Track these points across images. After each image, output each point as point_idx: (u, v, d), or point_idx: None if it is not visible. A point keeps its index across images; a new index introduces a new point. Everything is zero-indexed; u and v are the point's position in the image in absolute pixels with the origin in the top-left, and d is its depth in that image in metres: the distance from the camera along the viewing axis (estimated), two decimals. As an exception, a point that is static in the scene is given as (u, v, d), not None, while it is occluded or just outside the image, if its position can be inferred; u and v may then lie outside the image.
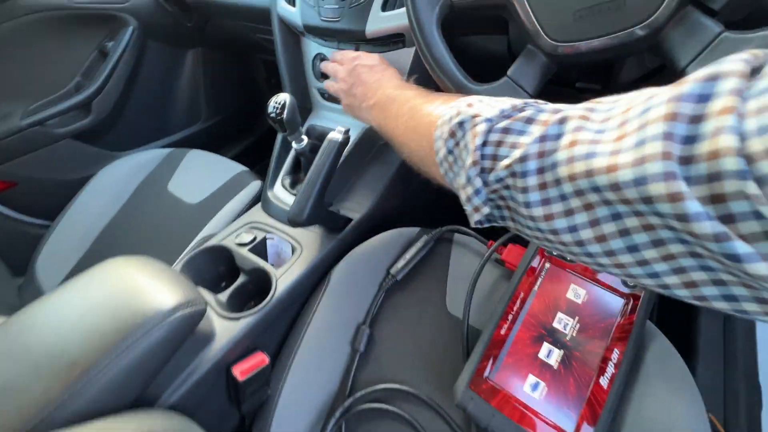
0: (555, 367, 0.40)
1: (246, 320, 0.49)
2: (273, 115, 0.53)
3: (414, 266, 0.57)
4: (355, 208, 0.64)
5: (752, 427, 0.53)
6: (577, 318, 0.43)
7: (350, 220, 0.62)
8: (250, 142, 1.30)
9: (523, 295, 0.45)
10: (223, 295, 0.54)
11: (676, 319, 0.65)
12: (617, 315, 0.43)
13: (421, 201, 0.77)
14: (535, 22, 0.34)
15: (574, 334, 0.42)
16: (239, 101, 1.26)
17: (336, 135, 0.52)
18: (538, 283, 0.46)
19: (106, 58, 0.90)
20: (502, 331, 0.43)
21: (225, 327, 0.48)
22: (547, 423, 0.37)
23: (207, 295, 0.53)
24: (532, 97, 0.36)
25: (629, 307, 0.43)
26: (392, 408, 0.45)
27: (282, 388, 0.48)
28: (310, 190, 0.51)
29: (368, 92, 0.48)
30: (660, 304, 0.63)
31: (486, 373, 0.40)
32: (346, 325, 0.53)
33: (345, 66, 0.53)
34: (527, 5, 0.34)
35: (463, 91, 0.38)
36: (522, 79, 0.37)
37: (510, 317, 0.44)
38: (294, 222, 0.52)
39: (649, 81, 0.47)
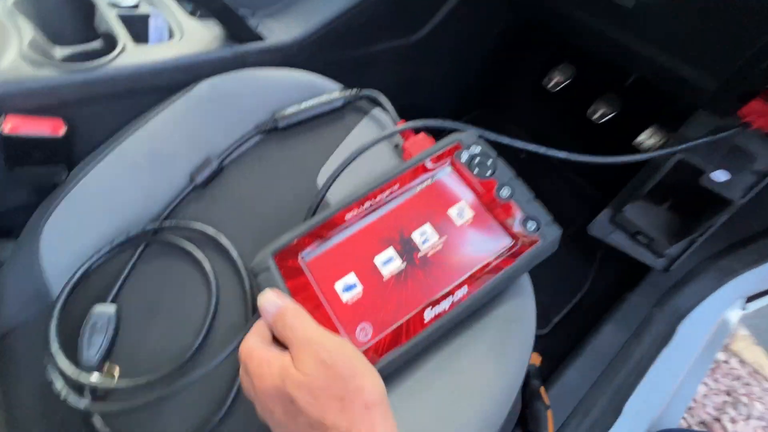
0: (386, 278, 0.31)
1: (73, 75, 0.37)
2: None
3: (306, 121, 0.45)
4: (280, 29, 0.49)
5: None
6: (444, 238, 0.33)
7: (259, 38, 0.48)
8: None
9: (397, 189, 0.34)
10: (63, 49, 0.42)
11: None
12: (494, 253, 0.33)
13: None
14: None
15: (430, 255, 0.32)
16: None
17: None
18: (424, 184, 0.35)
19: None
20: (348, 216, 0.33)
21: (23, 66, 0.36)
22: (339, 326, 0.30)
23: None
24: None
25: (514, 250, 0.33)
26: (198, 253, 0.38)
27: (81, 179, 0.39)
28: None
29: None
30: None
31: (302, 252, 0.32)
32: (196, 151, 0.42)
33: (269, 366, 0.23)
34: None
35: None
36: None
37: (367, 205, 0.34)
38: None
39: None
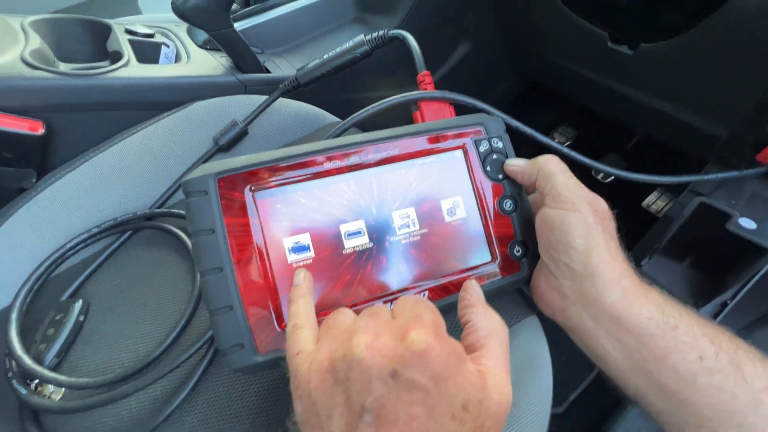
0: (345, 251, 0.26)
1: (66, 79, 0.37)
2: None
3: (329, 74, 0.41)
4: (285, 66, 0.51)
5: None
6: (425, 231, 0.27)
7: (263, 71, 0.48)
8: None
9: (394, 153, 0.28)
10: (67, 66, 0.43)
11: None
12: (468, 266, 0.28)
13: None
14: None
15: (402, 243, 0.27)
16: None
17: None
18: (426, 161, 0.29)
19: None
20: (327, 165, 0.26)
21: (18, 66, 0.36)
22: (276, 287, 0.24)
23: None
24: None
25: (490, 271, 0.28)
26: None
27: (51, 184, 0.36)
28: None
29: None
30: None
31: (254, 187, 0.25)
32: (185, 163, 0.41)
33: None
34: None
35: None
36: None
37: (353, 160, 0.27)
38: (175, 5, 0.39)
39: None
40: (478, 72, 0.67)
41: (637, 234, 0.52)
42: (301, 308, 0.22)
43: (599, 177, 0.73)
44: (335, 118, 0.48)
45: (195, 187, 0.24)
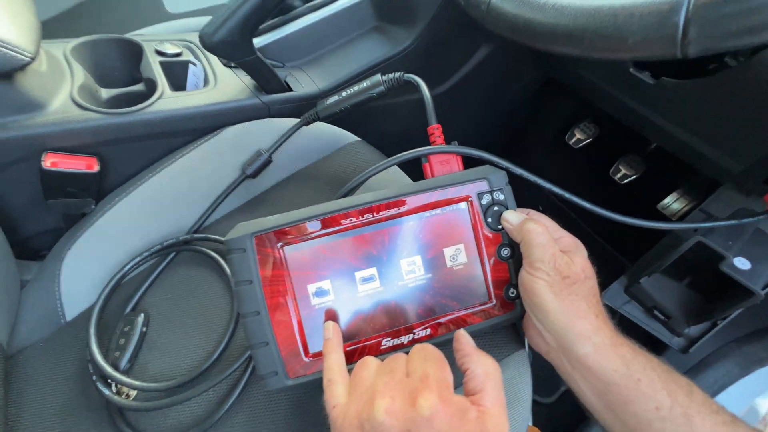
0: (359, 294, 0.31)
1: (112, 118, 0.41)
2: None
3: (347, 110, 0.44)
4: (306, 81, 0.52)
5: None
6: (429, 276, 0.32)
7: (285, 89, 0.50)
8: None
9: (403, 208, 0.31)
10: (108, 92, 0.46)
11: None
12: (467, 306, 0.33)
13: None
14: None
15: (410, 286, 0.32)
16: None
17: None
18: (432, 213, 0.32)
19: None
20: (344, 221, 0.31)
21: (70, 109, 0.40)
22: (302, 328, 0.30)
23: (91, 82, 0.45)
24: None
25: (487, 310, 0.33)
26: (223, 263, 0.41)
27: (107, 211, 0.42)
28: (231, 10, 0.40)
29: None
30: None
31: (284, 243, 0.30)
32: (217, 186, 0.45)
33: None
34: None
35: None
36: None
37: (367, 216, 0.31)
38: (203, 40, 0.41)
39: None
40: (498, 70, 0.66)
41: (651, 238, 0.54)
42: (333, 363, 0.27)
43: (617, 177, 0.73)
44: (354, 137, 0.50)
45: (235, 245, 0.29)
